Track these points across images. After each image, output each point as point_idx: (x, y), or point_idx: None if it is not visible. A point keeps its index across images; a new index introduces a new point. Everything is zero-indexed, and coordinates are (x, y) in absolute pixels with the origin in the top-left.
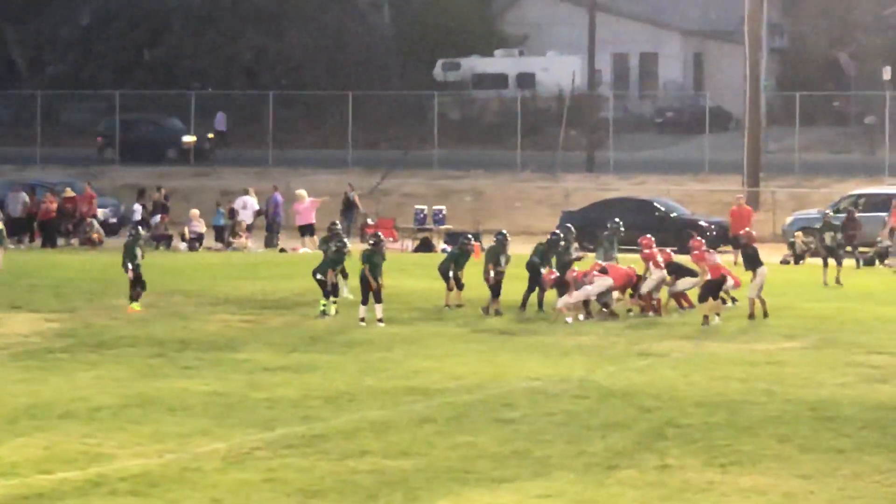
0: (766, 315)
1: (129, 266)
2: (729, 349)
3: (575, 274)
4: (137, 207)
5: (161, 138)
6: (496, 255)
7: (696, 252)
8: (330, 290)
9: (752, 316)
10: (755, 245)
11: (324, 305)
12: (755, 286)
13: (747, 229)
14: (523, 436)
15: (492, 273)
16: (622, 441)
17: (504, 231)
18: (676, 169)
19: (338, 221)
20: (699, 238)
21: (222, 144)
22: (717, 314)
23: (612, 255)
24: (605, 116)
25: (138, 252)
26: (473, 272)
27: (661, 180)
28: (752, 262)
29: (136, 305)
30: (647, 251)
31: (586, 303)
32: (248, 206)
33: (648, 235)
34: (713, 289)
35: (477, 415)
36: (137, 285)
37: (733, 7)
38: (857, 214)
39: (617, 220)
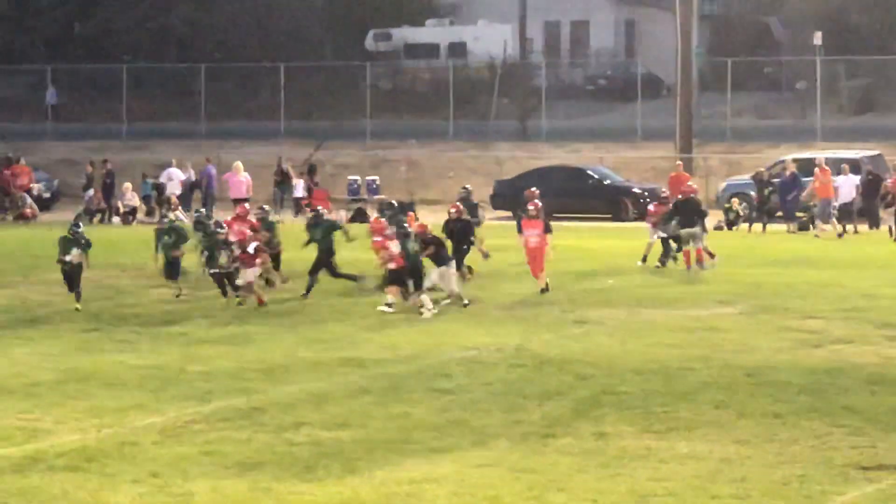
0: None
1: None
2: (664, 316)
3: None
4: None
5: None
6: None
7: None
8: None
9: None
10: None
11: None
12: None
13: (690, 183)
14: (460, 405)
15: None
16: (559, 409)
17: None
18: (609, 136)
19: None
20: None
21: (55, 119)
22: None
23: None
24: (537, 85)
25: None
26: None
27: (595, 148)
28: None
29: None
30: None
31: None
32: (173, 177)
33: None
34: None
35: (413, 385)
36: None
37: None
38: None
39: (467, 186)
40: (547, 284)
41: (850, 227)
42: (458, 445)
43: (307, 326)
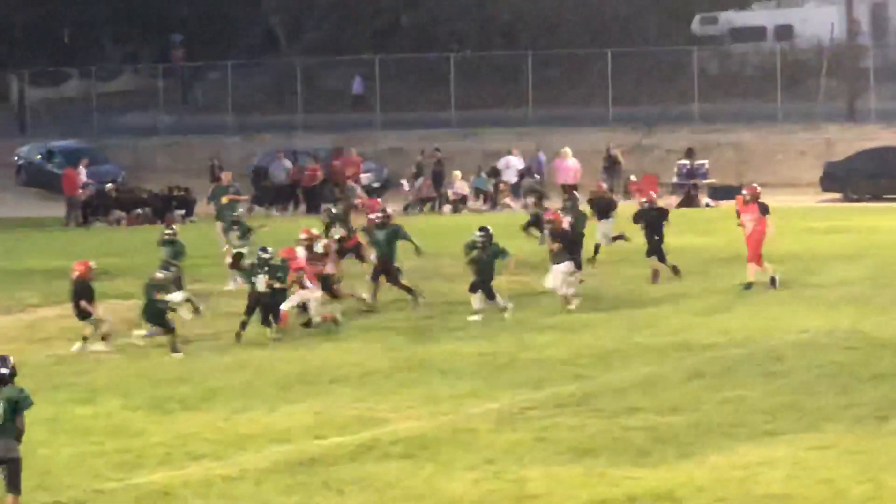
0: None
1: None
2: None
3: None
4: None
5: None
6: None
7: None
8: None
9: None
10: None
11: None
12: None
13: None
14: (793, 388)
15: None
16: (893, 391)
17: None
18: None
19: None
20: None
21: (362, 108)
22: None
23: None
24: (865, 66)
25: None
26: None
27: None
28: None
29: None
30: None
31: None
32: (510, 165)
33: None
34: None
35: (746, 369)
36: None
37: None
38: None
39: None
40: (750, 282)
41: None
42: (792, 428)
43: (640, 311)
